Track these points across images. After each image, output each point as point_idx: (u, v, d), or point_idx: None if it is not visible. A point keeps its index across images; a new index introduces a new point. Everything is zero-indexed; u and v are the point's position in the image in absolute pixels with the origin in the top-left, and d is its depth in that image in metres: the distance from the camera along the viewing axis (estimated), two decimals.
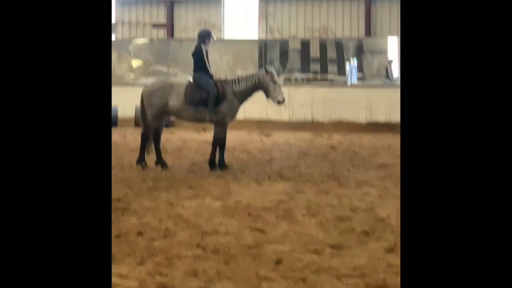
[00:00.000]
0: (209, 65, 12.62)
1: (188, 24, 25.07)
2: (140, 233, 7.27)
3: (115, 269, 5.91)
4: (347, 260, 6.27)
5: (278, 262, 6.20)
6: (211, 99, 12.32)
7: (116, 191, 9.98)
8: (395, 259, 6.05)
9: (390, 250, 6.58)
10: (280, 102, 12.39)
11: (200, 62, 12.64)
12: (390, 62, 23.67)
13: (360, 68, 23.74)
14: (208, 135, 18.65)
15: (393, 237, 7.05)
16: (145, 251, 6.56)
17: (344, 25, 23.59)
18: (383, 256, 6.40)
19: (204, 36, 12.82)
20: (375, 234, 7.33)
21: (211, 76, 12.55)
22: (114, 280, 5.54)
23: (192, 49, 12.80)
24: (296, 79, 23.80)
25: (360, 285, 5.60)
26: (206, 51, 12.68)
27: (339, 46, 23.83)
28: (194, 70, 12.72)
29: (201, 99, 12.37)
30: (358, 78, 23.62)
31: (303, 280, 5.68)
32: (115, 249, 6.60)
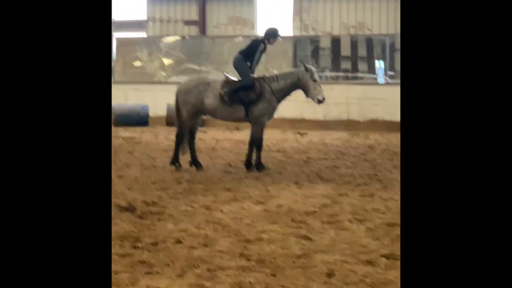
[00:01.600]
0: (256, 62, 12.19)
1: (220, 21, 24.65)
2: (178, 241, 6.79)
3: (154, 281, 5.47)
4: None
5: (330, 274, 5.70)
6: (241, 86, 11.89)
7: (150, 193, 9.59)
8: None
9: None
10: (320, 101, 11.92)
11: (250, 50, 12.24)
12: None
13: (392, 67, 23.13)
14: (241, 134, 18.28)
15: None
16: (185, 262, 6.08)
17: (381, 21, 23.01)
18: None
19: (268, 34, 12.38)
20: None
21: (250, 70, 12.12)
22: None
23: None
24: (326, 77, 23.31)
25: None
26: (264, 49, 12.23)
27: (370, 43, 23.32)
28: (240, 52, 12.29)
29: (238, 97, 11.94)
30: (391, 76, 23.04)
31: None
32: (152, 258, 6.16)
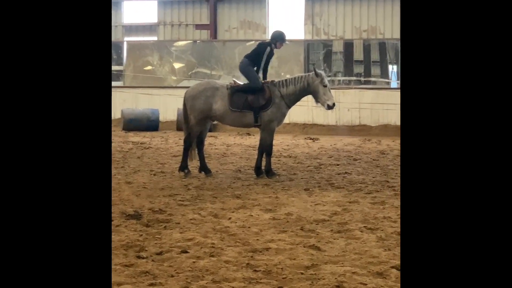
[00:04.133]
0: (263, 65, 12.05)
1: (231, 25, 24.53)
2: (184, 251, 6.64)
3: None
4: None
5: (339, 287, 5.53)
6: (250, 87, 11.78)
7: (158, 200, 9.47)
8: None
9: None
10: (330, 107, 11.74)
11: (258, 54, 12.11)
12: None
13: None
14: (252, 140, 18.17)
15: None
16: (190, 272, 5.92)
17: (393, 25, 22.81)
18: None
19: (275, 38, 12.23)
20: None
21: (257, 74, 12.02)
22: None
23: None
24: (339, 82, 23.16)
25: None
26: (270, 52, 12.09)
27: (383, 47, 23.16)
28: (246, 56, 12.16)
29: (246, 102, 11.81)
30: None
31: None
32: (156, 269, 6.02)
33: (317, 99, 11.86)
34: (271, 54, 12.12)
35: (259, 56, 12.02)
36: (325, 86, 11.74)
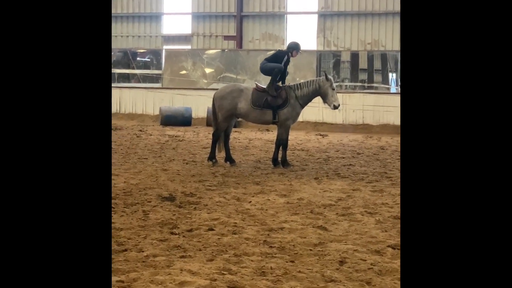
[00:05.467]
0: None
1: (255, 36, 24.46)
2: (211, 229, 6.64)
3: (187, 264, 5.32)
4: None
5: (342, 262, 5.50)
6: (276, 72, 11.75)
7: (189, 185, 9.46)
8: None
9: None
10: (336, 107, 11.75)
11: (277, 59, 12.06)
12: None
13: None
14: (270, 135, 18.11)
15: None
16: (215, 247, 5.92)
17: (393, 38, 22.65)
18: None
19: (291, 47, 12.21)
20: None
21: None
22: (185, 278, 4.92)
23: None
24: (346, 87, 23.05)
25: None
26: (287, 60, 12.06)
27: (384, 58, 23.02)
28: (266, 59, 12.14)
29: (266, 102, 11.79)
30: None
31: (368, 282, 4.97)
32: (187, 244, 6.02)
33: (325, 100, 11.84)
34: (287, 62, 12.08)
35: (276, 60, 12.01)
36: (333, 89, 11.72)
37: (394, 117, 20.89)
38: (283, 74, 12.07)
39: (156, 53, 25.40)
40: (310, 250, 5.88)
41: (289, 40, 22.93)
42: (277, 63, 11.95)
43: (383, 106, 21.36)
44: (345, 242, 6.23)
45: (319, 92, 11.85)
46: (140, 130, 19.22)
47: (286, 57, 12.01)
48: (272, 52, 13.20)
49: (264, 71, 12.10)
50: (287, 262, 5.46)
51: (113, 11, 25.30)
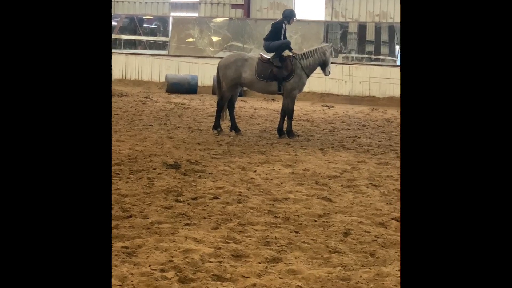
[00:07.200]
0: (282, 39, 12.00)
1: (263, 5, 24.25)
2: (215, 197, 6.63)
3: (192, 232, 5.32)
4: None
5: (346, 233, 5.50)
6: (281, 47, 11.75)
7: (194, 153, 9.45)
8: None
9: None
10: (328, 74, 12.27)
11: (276, 33, 12.03)
12: None
13: None
14: (276, 105, 18.02)
15: None
16: (220, 216, 5.92)
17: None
18: None
19: (288, 16, 12.15)
20: None
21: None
22: (190, 245, 4.92)
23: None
24: (352, 58, 22.93)
25: None
26: (285, 29, 12.03)
27: (392, 30, 22.84)
28: (266, 39, 12.10)
29: (271, 73, 11.72)
30: None
31: (372, 254, 4.97)
32: (191, 211, 6.02)
33: (323, 68, 11.97)
34: (285, 30, 12.11)
35: (276, 35, 11.95)
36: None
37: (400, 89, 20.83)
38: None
39: (163, 20, 25.23)
40: (315, 221, 5.88)
41: (296, 9, 22.78)
42: (279, 39, 11.89)
43: (390, 79, 21.23)
44: (350, 213, 6.23)
45: (324, 60, 11.89)
46: (146, 97, 19.17)
47: (284, 26, 12.01)
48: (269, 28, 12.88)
49: (271, 50, 12.04)
50: (291, 232, 5.46)
51: None
